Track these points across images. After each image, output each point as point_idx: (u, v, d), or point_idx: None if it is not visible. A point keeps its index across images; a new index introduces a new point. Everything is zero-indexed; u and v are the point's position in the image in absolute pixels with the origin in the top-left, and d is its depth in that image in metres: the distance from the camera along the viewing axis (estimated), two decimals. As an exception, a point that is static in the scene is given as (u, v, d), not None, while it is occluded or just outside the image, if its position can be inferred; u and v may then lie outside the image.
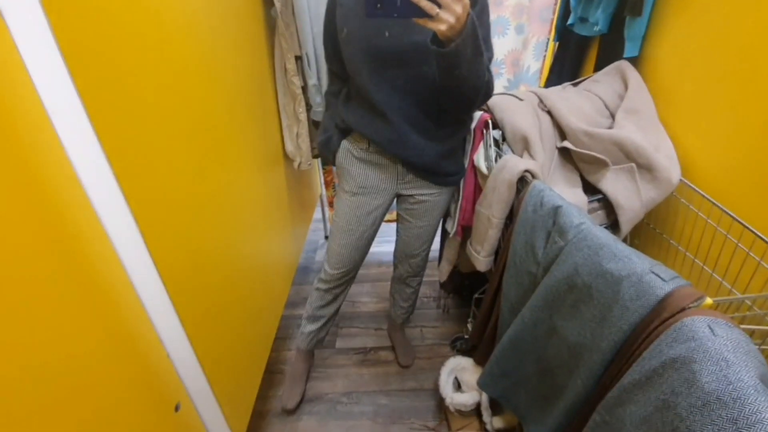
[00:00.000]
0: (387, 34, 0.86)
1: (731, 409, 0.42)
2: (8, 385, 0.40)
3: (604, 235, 0.69)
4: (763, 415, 0.39)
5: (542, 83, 1.62)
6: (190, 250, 0.71)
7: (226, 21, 0.91)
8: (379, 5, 0.68)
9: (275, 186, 1.28)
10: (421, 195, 1.08)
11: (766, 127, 0.76)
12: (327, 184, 1.95)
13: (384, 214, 1.13)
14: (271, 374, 1.36)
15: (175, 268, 0.65)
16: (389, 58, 0.88)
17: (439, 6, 0.67)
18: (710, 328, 0.50)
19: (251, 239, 1.06)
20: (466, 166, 1.13)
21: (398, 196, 1.11)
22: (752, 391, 0.42)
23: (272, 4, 1.10)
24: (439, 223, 1.18)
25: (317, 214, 2.10)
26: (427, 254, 1.26)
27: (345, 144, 1.05)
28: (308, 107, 1.33)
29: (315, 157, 1.50)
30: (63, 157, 0.48)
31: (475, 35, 0.74)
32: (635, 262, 0.62)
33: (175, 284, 0.63)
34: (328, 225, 2.10)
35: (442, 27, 0.69)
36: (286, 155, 1.38)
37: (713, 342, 0.48)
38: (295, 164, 1.41)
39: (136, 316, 0.59)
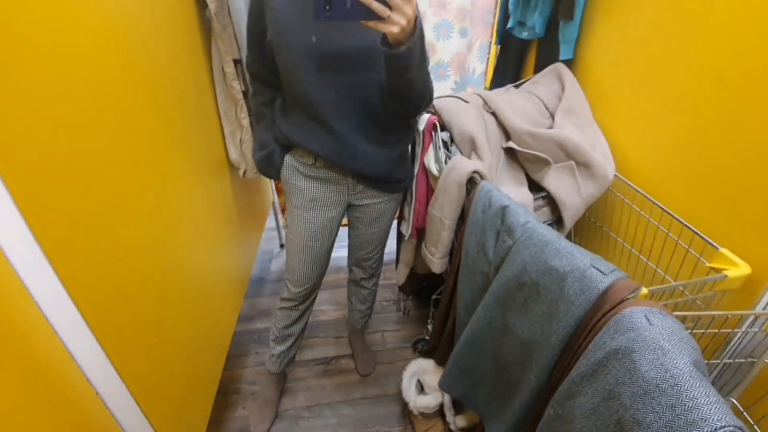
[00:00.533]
0: (331, 38, 0.83)
1: (669, 396, 0.44)
2: None
3: (549, 233, 0.72)
4: (699, 401, 0.42)
5: (487, 84, 1.67)
6: (111, 270, 0.64)
7: (156, 21, 0.84)
8: (327, 7, 0.66)
9: (219, 195, 1.21)
10: (372, 203, 1.07)
11: (686, 125, 0.82)
12: (279, 190, 1.88)
13: (339, 224, 1.11)
14: (225, 395, 1.29)
15: (93, 294, 0.58)
16: (333, 65, 0.84)
17: (390, 8, 0.66)
18: (647, 317, 0.52)
19: (193, 253, 1.00)
20: (417, 169, 1.14)
21: (349, 205, 1.09)
22: (687, 377, 0.44)
23: (206, 6, 1.04)
24: (390, 226, 1.18)
25: (270, 222, 2.03)
26: (381, 256, 1.26)
27: (289, 159, 1.00)
28: (250, 112, 1.28)
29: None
30: None
31: (422, 38, 0.75)
32: (577, 258, 0.64)
33: (95, 314, 0.57)
34: (283, 232, 2.03)
35: (394, 29, 0.67)
36: (230, 163, 1.32)
37: (650, 331, 0.50)
38: (240, 172, 1.35)
39: (53, 354, 0.52)
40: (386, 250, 1.96)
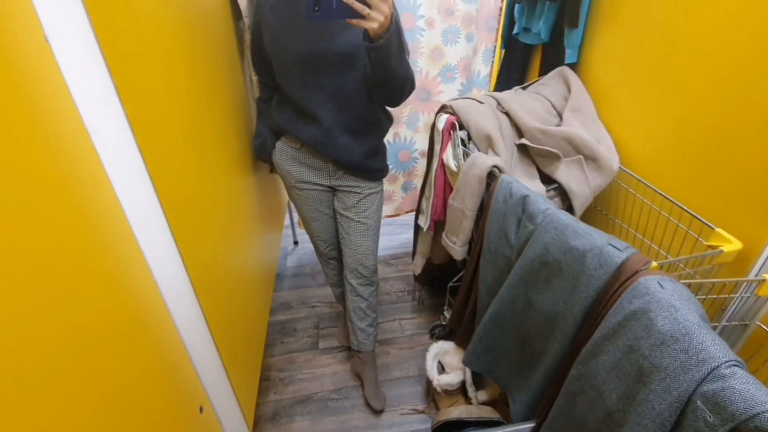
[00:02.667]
0: (317, 47, 0.95)
1: (682, 342, 0.54)
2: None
3: (567, 217, 0.81)
4: (706, 343, 0.52)
5: (492, 86, 1.77)
6: (215, 254, 0.74)
7: (207, 33, 0.93)
8: (317, 8, 0.77)
9: (253, 192, 1.30)
10: (352, 187, 1.16)
11: (682, 121, 0.93)
12: (294, 189, 1.96)
13: (331, 200, 1.23)
14: (261, 381, 1.37)
15: (202, 273, 0.67)
16: (321, 68, 0.98)
17: (369, 7, 0.78)
18: (659, 284, 0.62)
19: (247, 244, 1.09)
20: (435, 165, 1.23)
21: (334, 191, 1.20)
22: (696, 327, 0.54)
23: (241, 17, 1.12)
24: (377, 225, 1.22)
25: (285, 219, 2.11)
26: (374, 259, 1.25)
27: (280, 144, 1.16)
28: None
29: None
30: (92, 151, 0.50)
31: (399, 31, 0.88)
32: (595, 238, 0.74)
33: (205, 293, 0.66)
34: (297, 230, 2.11)
35: (374, 25, 0.79)
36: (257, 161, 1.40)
37: (663, 294, 0.60)
38: (269, 169, 1.43)
39: (163, 323, 0.61)
40: (401, 243, 2.05)
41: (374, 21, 0.79)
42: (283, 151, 1.15)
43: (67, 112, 0.47)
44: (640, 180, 1.02)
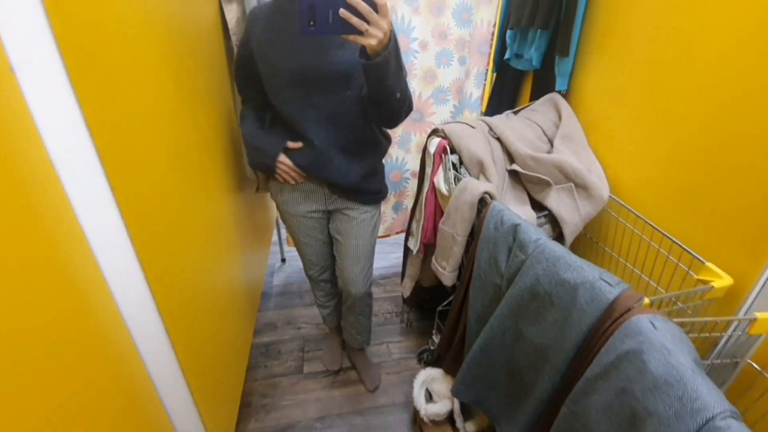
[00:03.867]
0: (311, 64, 0.93)
1: (677, 389, 0.52)
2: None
3: (559, 249, 0.80)
4: (700, 391, 0.50)
5: (483, 108, 1.78)
6: (186, 273, 0.70)
7: (195, 50, 0.91)
8: (312, 23, 0.72)
9: (241, 209, 1.27)
10: (349, 210, 1.13)
11: (672, 151, 0.93)
12: (283, 206, 1.93)
13: (327, 226, 1.20)
14: (241, 407, 1.32)
15: (170, 292, 0.64)
16: (315, 86, 0.94)
17: (368, 23, 0.73)
18: (652, 323, 0.61)
19: (227, 264, 1.05)
20: (426, 188, 1.22)
21: (329, 213, 1.18)
22: (690, 373, 0.52)
23: (229, 38, 1.11)
24: (372, 245, 1.21)
25: (273, 236, 2.07)
26: (369, 275, 1.24)
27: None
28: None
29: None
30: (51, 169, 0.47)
31: (397, 48, 0.84)
32: (587, 271, 0.73)
33: (172, 314, 0.62)
34: (285, 247, 2.07)
35: (372, 41, 0.75)
36: (245, 179, 1.37)
37: (655, 335, 0.59)
38: (254, 188, 1.40)
39: (121, 345, 0.57)
40: (391, 263, 2.03)
41: (373, 37, 0.74)
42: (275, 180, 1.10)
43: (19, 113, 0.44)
44: (630, 210, 1.02)
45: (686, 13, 0.87)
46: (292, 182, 1.07)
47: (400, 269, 1.57)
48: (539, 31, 1.24)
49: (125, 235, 0.56)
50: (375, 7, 0.73)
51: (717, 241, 0.83)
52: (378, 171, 1.14)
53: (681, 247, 0.86)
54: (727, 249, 0.80)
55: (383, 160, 1.17)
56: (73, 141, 0.49)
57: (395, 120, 1.00)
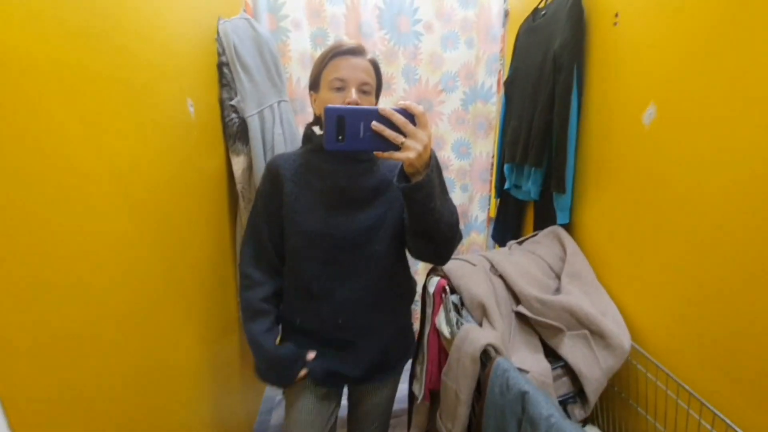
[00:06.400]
0: (338, 223, 0.87)
1: None
2: None
3: (572, 430, 0.68)
4: None
5: (489, 231, 1.76)
6: None
7: (190, 195, 0.93)
8: (340, 137, 0.64)
9: (228, 353, 1.19)
10: (370, 394, 1.04)
11: (689, 291, 0.83)
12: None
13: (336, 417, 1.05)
14: None
15: None
16: (343, 244, 0.88)
17: (405, 135, 0.64)
18: None
19: (200, 414, 0.94)
20: (428, 330, 1.13)
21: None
22: None
23: (235, 185, 1.17)
24: (391, 405, 1.11)
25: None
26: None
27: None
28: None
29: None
30: None
31: (438, 166, 0.71)
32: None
33: None
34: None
35: (411, 155, 0.64)
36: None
37: None
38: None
39: None
40: (400, 397, 1.83)
41: (411, 150, 0.63)
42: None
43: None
44: (658, 365, 0.89)
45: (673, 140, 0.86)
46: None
47: (407, 411, 1.39)
48: (533, 168, 1.26)
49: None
50: (412, 118, 0.64)
51: (755, 409, 0.68)
52: (408, 331, 1.07)
53: (714, 412, 0.72)
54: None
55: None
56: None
57: (447, 252, 0.84)
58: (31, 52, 0.48)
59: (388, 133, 0.63)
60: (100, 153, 0.60)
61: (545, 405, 0.74)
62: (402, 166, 0.68)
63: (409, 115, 0.64)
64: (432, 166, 0.67)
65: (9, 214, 0.44)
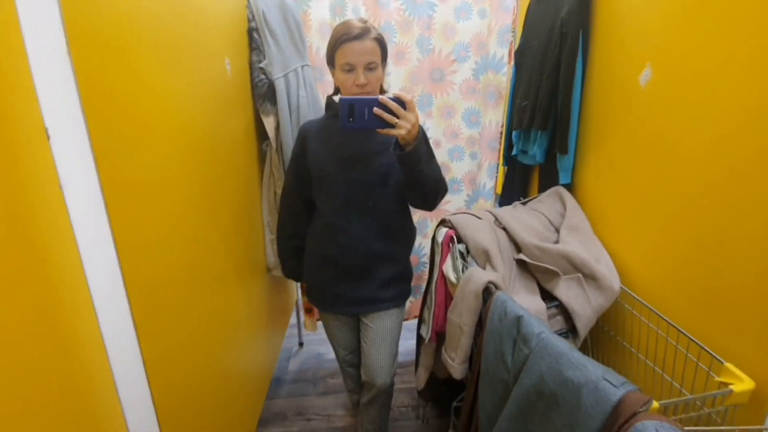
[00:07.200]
0: (354, 170, 1.11)
1: None
2: None
3: (562, 344, 0.79)
4: None
5: (498, 191, 1.85)
6: (182, 365, 0.73)
7: (228, 153, 1.06)
8: (351, 119, 0.90)
9: (255, 295, 1.33)
10: (377, 318, 1.23)
11: (679, 240, 0.93)
12: (303, 290, 1.98)
13: (358, 327, 1.28)
14: None
15: (168, 388, 0.67)
16: (358, 186, 1.12)
17: (398, 117, 0.90)
18: (657, 431, 0.57)
19: (231, 351, 1.07)
20: (436, 276, 1.25)
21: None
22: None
23: (266, 139, 1.28)
24: (397, 339, 1.29)
25: (292, 318, 2.09)
26: (391, 377, 1.28)
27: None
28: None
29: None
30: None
31: (426, 138, 1.04)
32: (590, 370, 0.71)
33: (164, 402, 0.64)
34: (303, 330, 2.08)
35: (402, 132, 0.91)
36: (267, 266, 1.46)
37: (661, 445, 0.55)
38: (276, 272, 1.48)
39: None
40: (407, 349, 1.97)
41: (402, 129, 0.91)
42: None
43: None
44: (642, 302, 0.99)
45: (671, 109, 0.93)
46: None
47: (415, 356, 1.53)
48: (539, 132, 1.34)
49: (127, 310, 0.60)
50: (403, 105, 0.91)
51: (737, 339, 0.78)
52: (405, 271, 1.27)
53: (697, 344, 0.82)
54: (749, 348, 0.76)
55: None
56: (93, 232, 0.56)
57: (433, 201, 1.14)
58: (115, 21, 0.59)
59: (386, 116, 0.90)
60: (165, 106, 0.71)
61: (537, 324, 0.85)
62: (397, 139, 0.94)
63: (401, 102, 0.90)
64: (420, 139, 0.95)
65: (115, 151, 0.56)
